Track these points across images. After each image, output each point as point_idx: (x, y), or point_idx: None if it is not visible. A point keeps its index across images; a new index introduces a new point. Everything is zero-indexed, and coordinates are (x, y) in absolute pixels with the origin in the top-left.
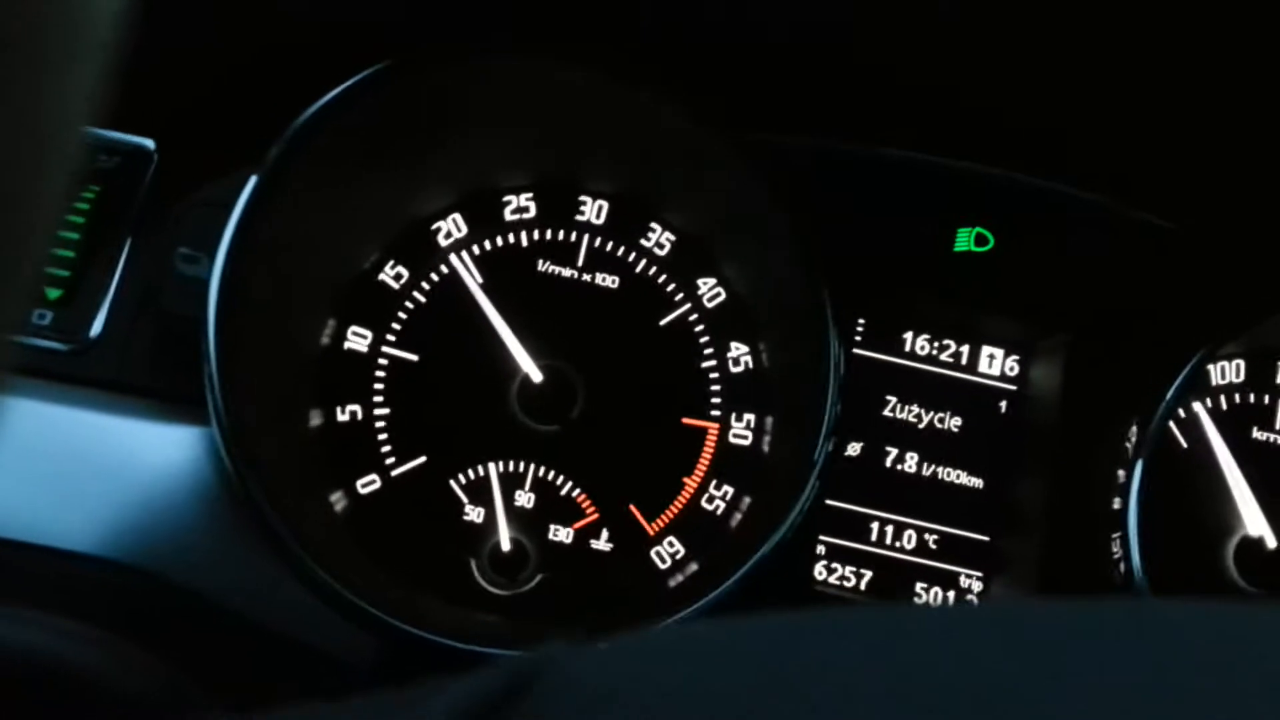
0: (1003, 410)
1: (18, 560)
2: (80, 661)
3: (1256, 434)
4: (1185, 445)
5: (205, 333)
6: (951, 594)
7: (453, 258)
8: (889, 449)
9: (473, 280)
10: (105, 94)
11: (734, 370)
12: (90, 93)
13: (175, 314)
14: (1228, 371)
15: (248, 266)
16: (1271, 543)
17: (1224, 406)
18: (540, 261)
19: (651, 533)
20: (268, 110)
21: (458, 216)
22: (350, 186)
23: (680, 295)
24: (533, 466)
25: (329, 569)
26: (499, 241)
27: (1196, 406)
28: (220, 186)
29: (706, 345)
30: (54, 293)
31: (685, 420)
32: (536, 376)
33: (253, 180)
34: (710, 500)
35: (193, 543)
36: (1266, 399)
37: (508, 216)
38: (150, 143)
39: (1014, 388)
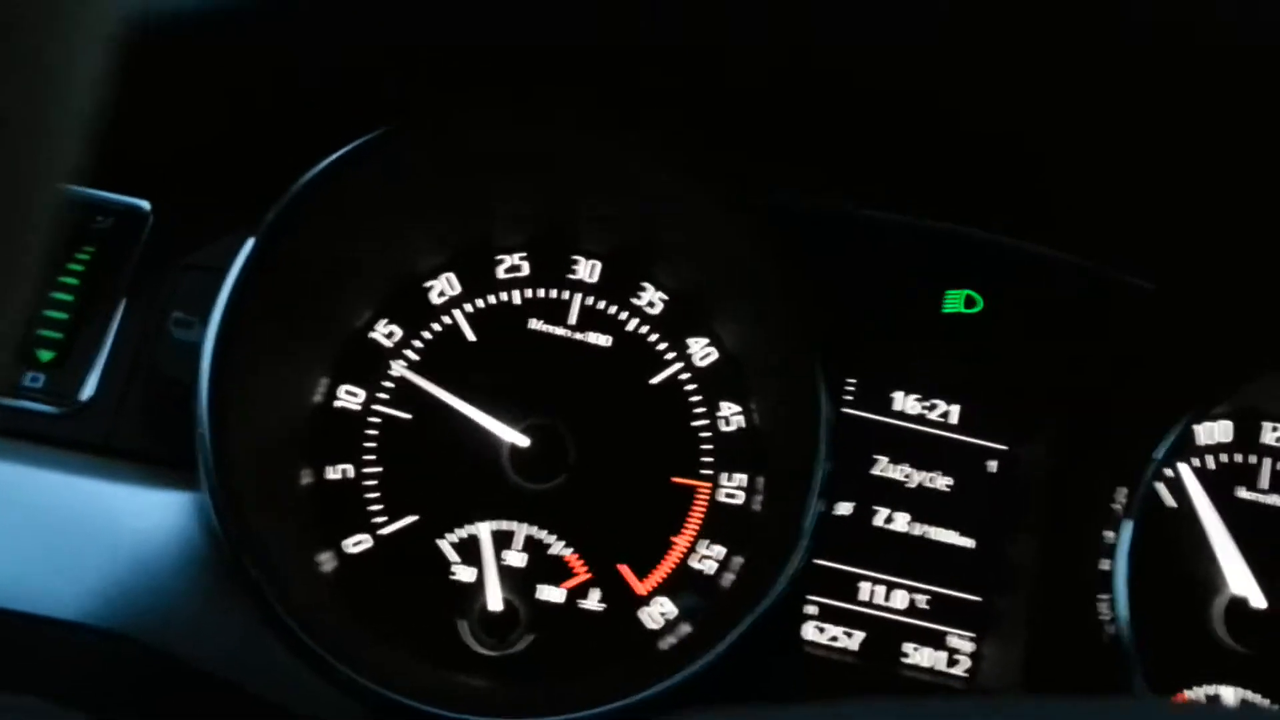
0: (992, 470)
1: (2, 628)
2: None
3: (1243, 493)
4: (1173, 505)
5: (198, 398)
6: (942, 655)
7: (445, 317)
8: (879, 509)
9: (458, 344)
10: (83, 159)
11: (725, 429)
12: (68, 159)
13: (168, 378)
14: (1214, 432)
15: (241, 330)
16: (1259, 602)
17: (1210, 466)
18: (532, 320)
19: (642, 593)
20: (263, 173)
21: (451, 275)
22: (344, 247)
23: (672, 354)
24: (523, 525)
25: (317, 636)
26: (491, 300)
27: (1183, 467)
28: (215, 249)
29: (698, 404)
30: (46, 355)
31: (676, 479)
32: (521, 442)
33: (248, 244)
34: (701, 560)
35: (181, 609)
36: (1252, 459)
37: (500, 275)
38: (145, 204)
39: (1003, 448)
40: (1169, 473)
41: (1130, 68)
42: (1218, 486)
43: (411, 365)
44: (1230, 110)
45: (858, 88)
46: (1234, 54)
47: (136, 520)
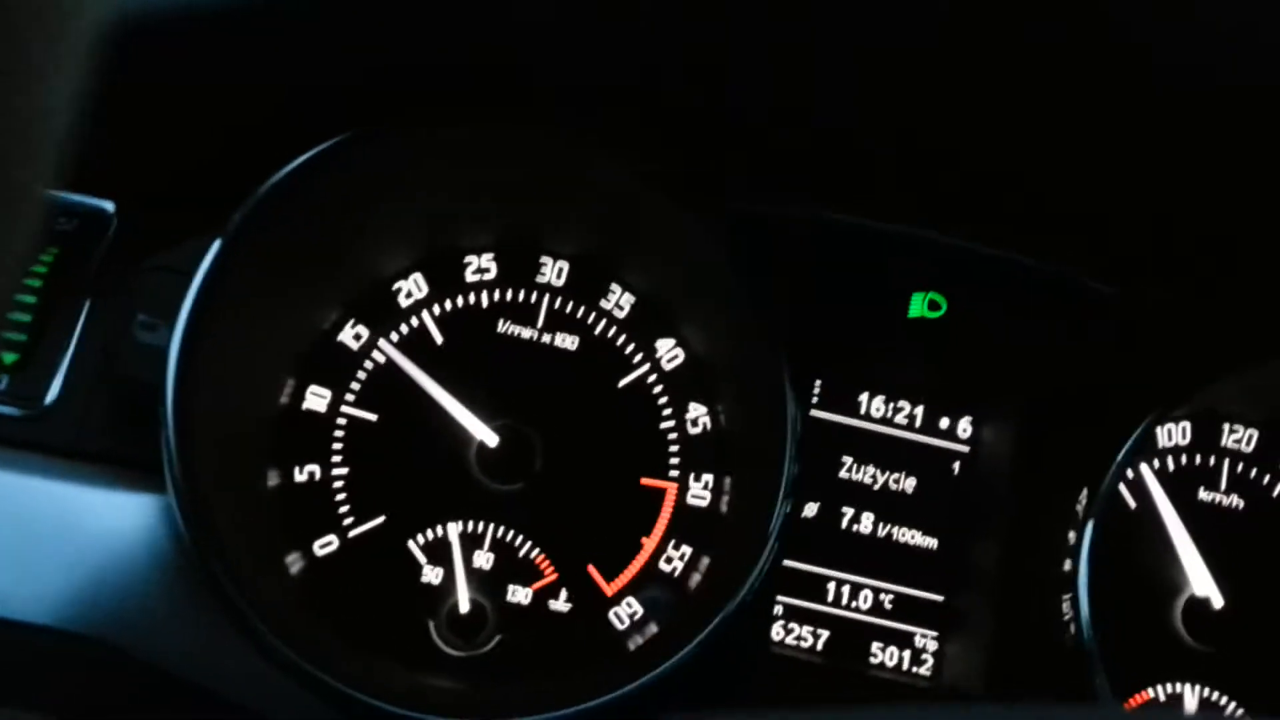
0: (956, 472)
1: None
2: None
3: (1202, 495)
4: (1134, 506)
5: (163, 400)
6: (907, 654)
7: (413, 318)
8: (845, 509)
9: (426, 346)
10: (61, 162)
11: (692, 431)
12: (47, 163)
13: (133, 380)
14: (1174, 434)
15: (207, 333)
16: (1218, 602)
17: (1170, 468)
18: (500, 322)
19: (610, 594)
20: (228, 175)
21: (419, 277)
22: (311, 249)
23: (639, 356)
24: (492, 527)
25: (285, 637)
26: (459, 302)
27: (1144, 468)
28: (180, 251)
29: (665, 406)
30: (10, 357)
31: (644, 481)
32: (492, 440)
33: (214, 247)
34: (669, 561)
35: (148, 611)
36: (1212, 460)
37: (469, 277)
38: (110, 205)
39: (967, 449)
40: (1130, 474)
41: (1091, 81)
42: (1178, 488)
43: (381, 366)
44: (1194, 119)
45: (835, 108)
46: (1196, 67)
47: (103, 523)
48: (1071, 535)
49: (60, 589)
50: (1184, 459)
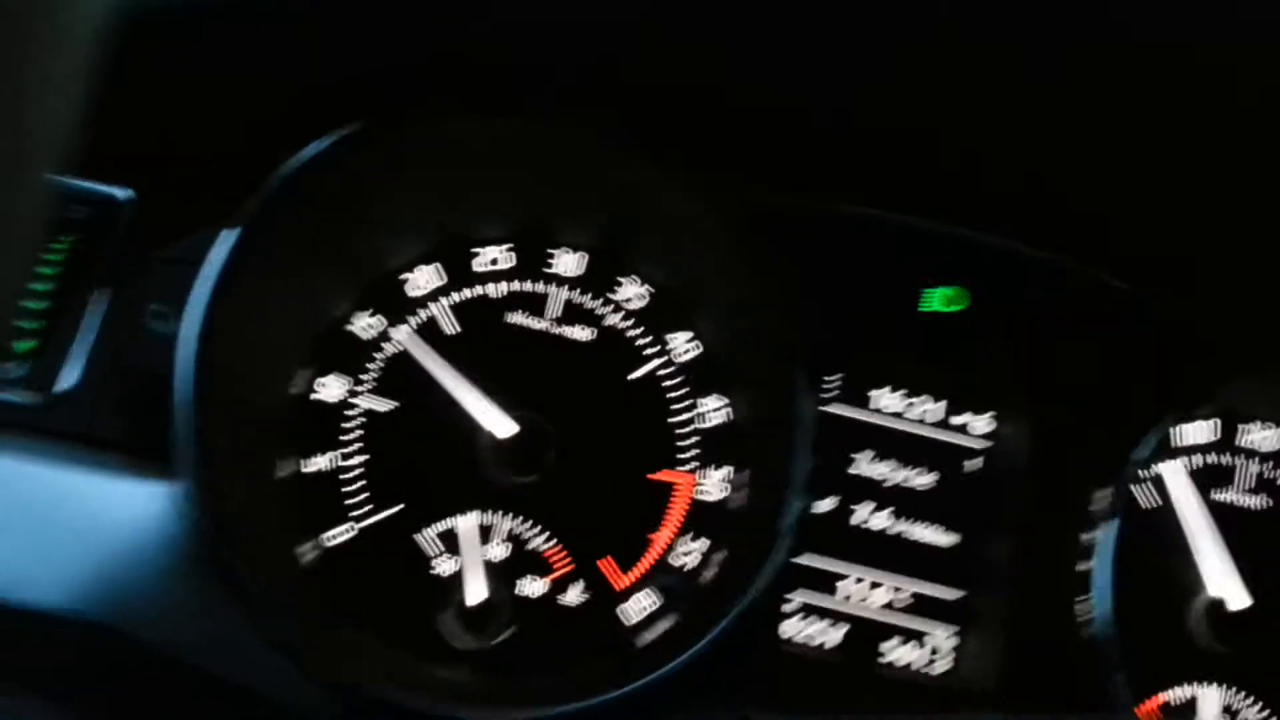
0: (971, 469)
1: None
2: None
3: (1221, 495)
4: (1151, 506)
5: (175, 390)
6: (921, 653)
7: (423, 309)
8: (860, 506)
9: (437, 336)
10: (71, 149)
11: (706, 425)
12: (55, 149)
13: (144, 369)
14: (1194, 433)
15: (220, 323)
16: (1238, 602)
17: (1189, 468)
18: (513, 313)
19: (622, 587)
20: (241, 164)
21: (431, 267)
22: (325, 239)
23: (653, 349)
24: (504, 519)
25: (295, 627)
26: (472, 293)
27: (1163, 467)
28: (194, 241)
29: (679, 399)
30: (24, 345)
31: (657, 474)
32: (503, 433)
33: (227, 236)
34: (681, 555)
35: (159, 599)
36: (1231, 460)
37: (481, 267)
38: (123, 193)
39: (985, 446)
40: (1149, 473)
41: (1114, 77)
42: (1197, 487)
43: (394, 356)
44: (1215, 119)
45: (844, 84)
46: (1221, 67)
47: (116, 510)
48: (1089, 534)
49: (72, 575)
50: (1204, 458)
